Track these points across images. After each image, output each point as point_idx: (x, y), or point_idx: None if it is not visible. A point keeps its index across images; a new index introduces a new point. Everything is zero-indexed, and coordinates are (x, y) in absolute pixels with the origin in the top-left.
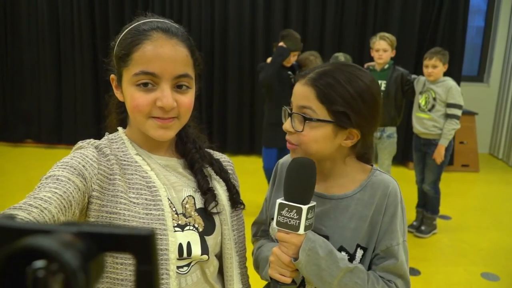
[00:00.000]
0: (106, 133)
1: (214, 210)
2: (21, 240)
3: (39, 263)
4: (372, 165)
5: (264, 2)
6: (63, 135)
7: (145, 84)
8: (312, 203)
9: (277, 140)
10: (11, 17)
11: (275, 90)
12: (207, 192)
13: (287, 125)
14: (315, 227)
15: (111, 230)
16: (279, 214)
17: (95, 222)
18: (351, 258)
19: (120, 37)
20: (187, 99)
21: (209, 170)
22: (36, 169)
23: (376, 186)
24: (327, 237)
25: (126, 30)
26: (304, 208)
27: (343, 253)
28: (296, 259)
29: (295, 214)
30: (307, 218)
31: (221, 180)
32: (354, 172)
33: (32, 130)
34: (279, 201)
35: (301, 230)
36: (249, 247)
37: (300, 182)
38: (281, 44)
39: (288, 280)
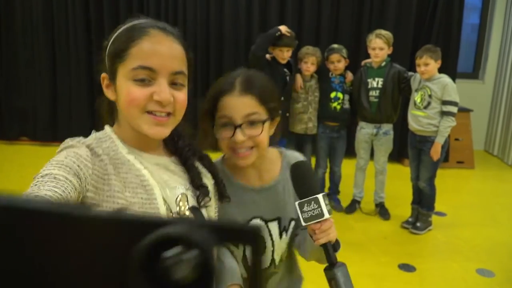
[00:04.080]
0: (93, 131)
1: (206, 205)
2: (160, 229)
3: (175, 250)
4: (277, 148)
5: None
6: (58, 132)
7: (142, 80)
8: (323, 192)
9: None
10: (5, 14)
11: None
12: (200, 188)
13: (240, 137)
14: (267, 217)
15: (228, 224)
16: (302, 212)
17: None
18: (285, 230)
19: (116, 35)
20: (183, 95)
21: (198, 165)
22: (31, 167)
23: (288, 162)
24: (279, 219)
25: (122, 28)
26: (319, 196)
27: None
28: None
29: (315, 204)
30: (326, 204)
31: (208, 173)
32: (272, 157)
33: (27, 128)
34: (297, 203)
35: (326, 214)
36: None
37: (308, 180)
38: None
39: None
